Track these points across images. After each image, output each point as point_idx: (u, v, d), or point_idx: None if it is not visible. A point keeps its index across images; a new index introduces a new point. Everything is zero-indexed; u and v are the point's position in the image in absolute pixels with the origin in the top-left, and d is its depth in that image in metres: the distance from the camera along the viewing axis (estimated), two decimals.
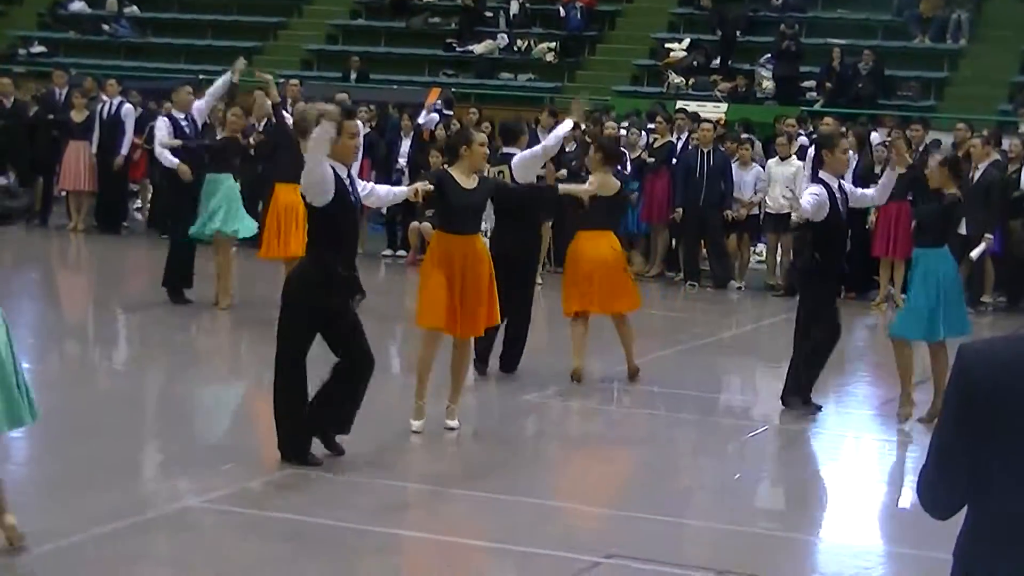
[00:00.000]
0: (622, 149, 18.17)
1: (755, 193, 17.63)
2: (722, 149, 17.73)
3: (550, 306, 13.28)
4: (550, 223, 16.37)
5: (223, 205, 13.62)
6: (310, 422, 8.29)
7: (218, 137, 13.86)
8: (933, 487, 3.39)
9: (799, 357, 10.53)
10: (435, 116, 20.26)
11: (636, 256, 17.99)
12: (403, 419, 9.21)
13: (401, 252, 18.76)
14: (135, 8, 28.37)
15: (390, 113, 20.62)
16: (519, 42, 25.26)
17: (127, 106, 19.64)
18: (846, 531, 8.10)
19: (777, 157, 17.51)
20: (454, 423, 9.38)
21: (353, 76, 24.02)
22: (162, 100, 17.40)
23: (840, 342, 10.76)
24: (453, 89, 23.10)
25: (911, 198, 15.36)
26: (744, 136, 18.39)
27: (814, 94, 22.53)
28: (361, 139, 18.35)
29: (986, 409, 3.21)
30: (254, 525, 7.24)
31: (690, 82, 23.14)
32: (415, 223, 17.76)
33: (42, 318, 13.80)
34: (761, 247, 18.32)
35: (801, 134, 18.43)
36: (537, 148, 11.69)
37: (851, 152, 11.17)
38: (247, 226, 13.87)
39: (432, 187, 9.10)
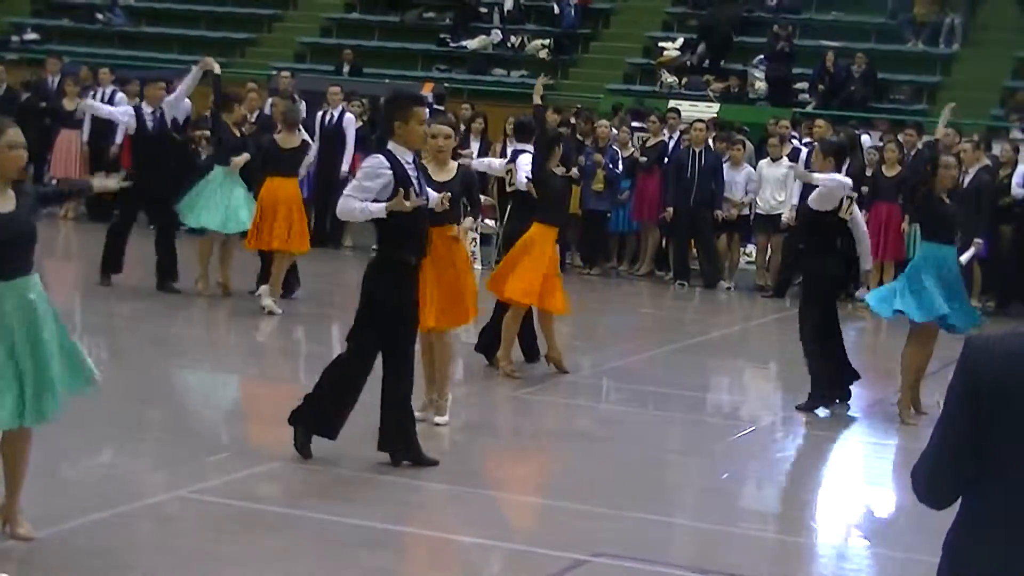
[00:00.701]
0: (614, 148, 18.25)
1: (746, 194, 17.67)
2: (713, 149, 17.76)
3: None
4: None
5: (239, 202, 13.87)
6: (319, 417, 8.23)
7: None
8: (932, 475, 3.40)
9: (813, 359, 10.53)
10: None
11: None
12: None
13: None
14: None
15: (382, 107, 20.54)
16: (513, 38, 25.24)
17: (120, 95, 19.61)
18: (833, 532, 8.14)
19: (768, 158, 17.56)
20: (443, 419, 9.41)
21: (346, 69, 23.99)
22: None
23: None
24: (446, 84, 23.08)
25: (901, 201, 15.42)
26: (737, 137, 18.42)
27: (806, 96, 22.55)
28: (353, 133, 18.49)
29: (992, 399, 3.24)
30: (244, 517, 7.25)
31: (683, 81, 23.15)
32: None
33: None
34: (751, 248, 18.36)
35: (795, 136, 18.45)
36: (495, 163, 12.55)
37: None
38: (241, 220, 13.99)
39: (450, 195, 8.86)
